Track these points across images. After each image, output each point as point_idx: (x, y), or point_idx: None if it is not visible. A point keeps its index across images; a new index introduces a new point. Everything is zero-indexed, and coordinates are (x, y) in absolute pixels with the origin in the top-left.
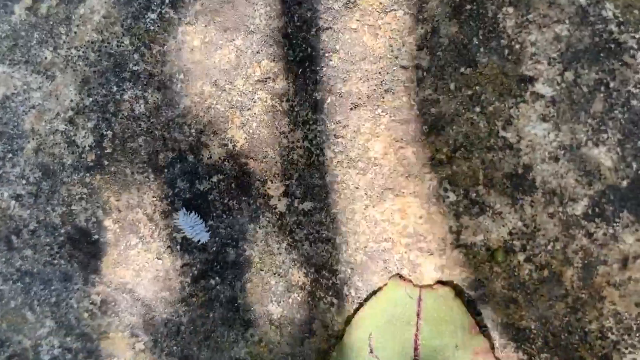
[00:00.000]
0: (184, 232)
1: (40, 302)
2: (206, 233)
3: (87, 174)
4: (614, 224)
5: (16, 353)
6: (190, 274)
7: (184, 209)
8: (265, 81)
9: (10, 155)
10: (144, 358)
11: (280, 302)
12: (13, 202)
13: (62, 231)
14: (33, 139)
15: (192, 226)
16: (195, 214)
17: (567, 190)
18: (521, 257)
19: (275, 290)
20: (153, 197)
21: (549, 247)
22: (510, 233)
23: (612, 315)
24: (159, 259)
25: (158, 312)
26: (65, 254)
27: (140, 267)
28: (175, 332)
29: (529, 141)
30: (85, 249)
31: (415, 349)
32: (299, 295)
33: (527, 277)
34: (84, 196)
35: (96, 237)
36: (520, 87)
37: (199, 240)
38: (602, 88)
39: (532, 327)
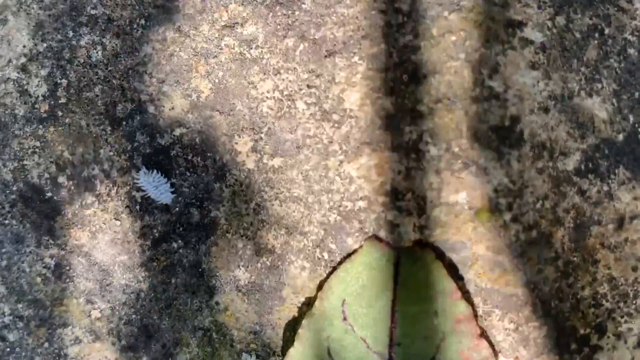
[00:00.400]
0: (145, 192)
1: None
2: (171, 194)
3: (40, 126)
4: (609, 181)
5: None
6: (151, 237)
7: (145, 167)
8: (233, 26)
9: None
10: (100, 327)
11: (247, 267)
12: None
13: (14, 188)
14: None
15: (155, 186)
16: (157, 172)
17: (558, 143)
18: (507, 216)
19: (242, 254)
20: (110, 151)
21: (538, 206)
22: (495, 190)
23: (607, 280)
24: (116, 219)
25: (116, 278)
26: (17, 214)
27: (97, 228)
28: (135, 299)
29: (517, 91)
30: (38, 207)
31: (392, 315)
32: (268, 260)
33: (514, 239)
34: (37, 150)
35: (49, 194)
36: (508, 33)
37: (161, 201)
38: (596, 34)
39: (519, 293)
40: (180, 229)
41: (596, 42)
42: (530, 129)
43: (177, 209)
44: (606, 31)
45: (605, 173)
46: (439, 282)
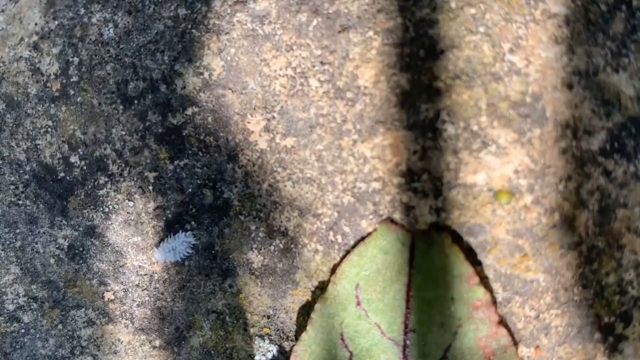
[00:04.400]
0: (173, 260)
1: (5, 247)
2: (188, 243)
3: (52, 105)
4: (636, 161)
5: None
6: (164, 218)
7: (156, 247)
8: (245, 2)
9: None
10: (113, 309)
11: (260, 249)
12: None
13: (27, 168)
14: None
15: (173, 250)
16: (169, 238)
17: (582, 122)
18: (528, 198)
19: (255, 236)
20: (122, 131)
21: (561, 187)
22: (516, 171)
23: (633, 266)
24: (130, 200)
25: (129, 259)
26: (30, 194)
27: (110, 209)
28: (148, 282)
29: (539, 66)
30: (51, 188)
31: (407, 301)
32: (281, 242)
33: (535, 222)
34: (49, 129)
35: (62, 175)
36: (529, 5)
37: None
38: (623, 6)
39: (541, 279)
40: (193, 210)
41: (623, 14)
42: (553, 106)
43: (189, 190)
44: (633, 3)
45: (632, 153)
46: (455, 267)
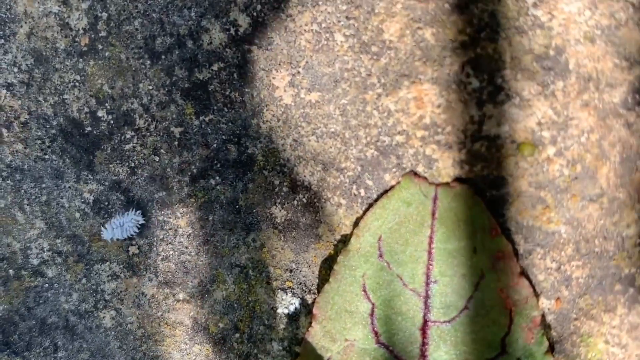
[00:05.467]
0: (120, 238)
1: (31, 202)
2: (137, 224)
3: (80, 60)
4: None
5: (4, 256)
6: (189, 173)
7: (103, 226)
8: None
9: (2, 41)
10: (137, 262)
11: (284, 204)
12: (4, 91)
13: (54, 123)
14: (26, 22)
15: (120, 227)
16: (118, 215)
17: (604, 74)
18: (551, 150)
19: (279, 191)
20: (149, 86)
21: (583, 140)
22: (539, 123)
23: None
24: (155, 155)
25: (154, 214)
26: (57, 149)
27: (136, 164)
28: (172, 236)
29: (562, 20)
30: (78, 142)
31: (429, 252)
32: (304, 197)
33: (557, 174)
34: (77, 84)
35: (89, 129)
36: None
37: (131, 234)
38: None
39: (562, 231)
40: (218, 165)
41: None
42: (576, 59)
43: (214, 145)
44: None
45: None
46: (478, 219)
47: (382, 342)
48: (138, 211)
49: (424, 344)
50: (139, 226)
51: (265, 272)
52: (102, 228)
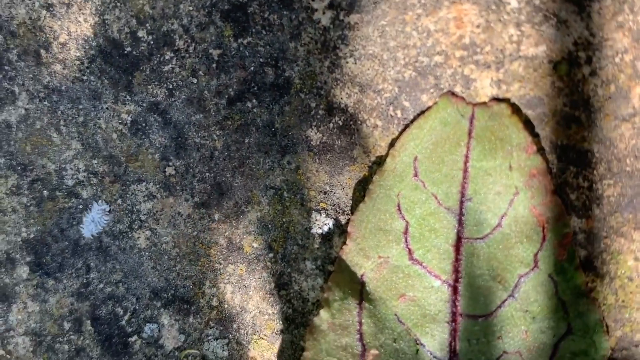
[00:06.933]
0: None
1: (67, 122)
2: (105, 213)
3: None
4: None
5: (39, 177)
6: (226, 96)
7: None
8: None
9: None
10: (174, 183)
11: (320, 126)
12: (44, 12)
13: (94, 44)
14: None
15: (93, 222)
16: (86, 213)
17: None
18: (586, 70)
19: (315, 114)
20: (190, 6)
21: (617, 60)
22: (575, 43)
23: None
24: (194, 77)
25: (191, 136)
26: (95, 70)
27: (174, 85)
28: (209, 158)
29: None
30: (117, 63)
31: (464, 171)
32: (340, 119)
33: (592, 94)
34: (118, 4)
35: (129, 49)
36: None
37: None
38: None
39: (595, 150)
40: (255, 88)
41: None
42: None
43: (252, 68)
44: None
45: None
46: (514, 137)
47: (415, 259)
48: (100, 200)
49: (457, 260)
50: (107, 213)
51: (300, 194)
52: (80, 228)
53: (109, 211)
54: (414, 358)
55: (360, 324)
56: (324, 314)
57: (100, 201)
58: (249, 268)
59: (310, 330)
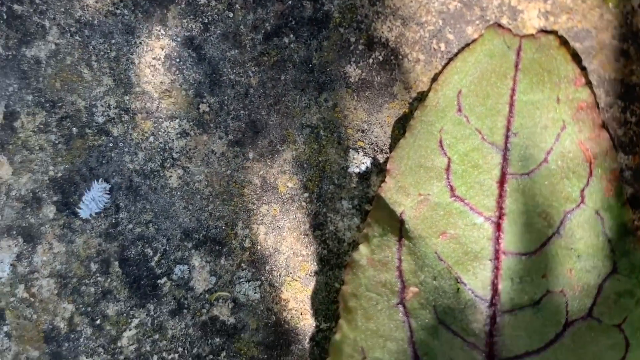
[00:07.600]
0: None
1: (99, 58)
2: (105, 191)
3: None
4: None
5: (68, 114)
6: (263, 31)
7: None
8: None
9: None
10: (208, 120)
11: (359, 62)
12: None
13: None
14: None
15: (93, 200)
16: (86, 192)
17: None
18: (636, 2)
19: (354, 49)
20: None
21: None
22: None
23: None
24: (229, 11)
25: (226, 73)
26: (129, 3)
27: (210, 20)
28: (244, 95)
29: None
30: None
31: (510, 105)
32: (380, 54)
33: None
34: None
35: None
36: None
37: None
38: None
39: None
40: (293, 22)
41: None
42: None
43: (289, 2)
44: None
45: None
46: (562, 69)
47: (457, 196)
48: (100, 179)
49: (501, 196)
50: (107, 192)
51: (337, 132)
52: (77, 209)
53: (109, 190)
54: (454, 296)
55: (400, 260)
56: (363, 249)
57: (100, 180)
58: (283, 208)
59: (350, 265)
